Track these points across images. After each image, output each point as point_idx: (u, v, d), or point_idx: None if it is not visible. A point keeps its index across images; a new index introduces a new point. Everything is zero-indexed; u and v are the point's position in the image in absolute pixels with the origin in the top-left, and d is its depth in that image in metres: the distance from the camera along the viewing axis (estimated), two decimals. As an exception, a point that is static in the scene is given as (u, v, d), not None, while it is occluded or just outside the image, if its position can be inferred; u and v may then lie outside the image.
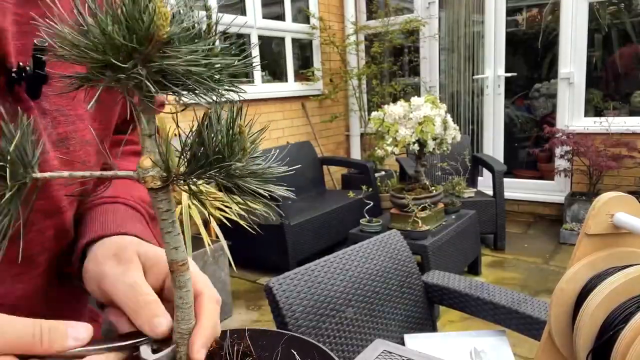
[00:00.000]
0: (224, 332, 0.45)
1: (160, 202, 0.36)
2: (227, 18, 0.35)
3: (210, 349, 0.41)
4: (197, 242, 2.40)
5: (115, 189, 0.56)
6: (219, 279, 2.66)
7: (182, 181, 0.35)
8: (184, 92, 0.31)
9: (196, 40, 0.29)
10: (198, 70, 0.29)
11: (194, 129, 0.34)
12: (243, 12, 3.97)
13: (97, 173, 0.36)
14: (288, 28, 4.46)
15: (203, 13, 0.31)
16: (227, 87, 0.32)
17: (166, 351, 0.39)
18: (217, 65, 0.30)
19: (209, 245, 2.35)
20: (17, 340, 0.33)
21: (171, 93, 0.30)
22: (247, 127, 0.35)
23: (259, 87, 4.14)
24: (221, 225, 2.42)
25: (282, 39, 4.46)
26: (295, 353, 0.44)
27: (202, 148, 0.33)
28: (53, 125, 0.47)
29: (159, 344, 0.40)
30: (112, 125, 0.58)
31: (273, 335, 0.47)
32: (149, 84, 0.29)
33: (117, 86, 0.29)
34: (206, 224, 2.47)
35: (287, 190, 0.37)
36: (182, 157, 0.34)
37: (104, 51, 0.28)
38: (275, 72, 4.59)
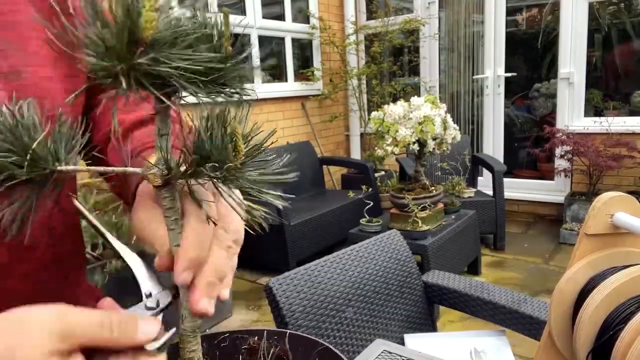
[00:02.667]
0: (261, 332, 0.46)
1: (164, 199, 0.36)
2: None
3: (247, 346, 0.42)
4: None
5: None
6: (219, 279, 2.65)
7: (184, 180, 0.35)
8: (185, 92, 0.31)
9: (183, 41, 0.30)
10: (184, 68, 0.29)
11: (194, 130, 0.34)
12: (243, 12, 3.97)
13: (110, 169, 0.37)
14: (288, 28, 4.46)
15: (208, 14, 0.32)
16: (217, 89, 0.33)
17: (161, 305, 0.39)
18: (203, 65, 0.30)
19: (209, 245, 2.35)
20: (86, 327, 0.31)
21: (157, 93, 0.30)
22: (248, 128, 0.35)
23: (259, 87, 4.14)
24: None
25: (282, 39, 4.46)
26: None
27: (198, 148, 0.34)
28: (3, 57, 0.48)
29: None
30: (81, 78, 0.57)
31: (308, 342, 0.47)
32: (144, 84, 0.29)
33: (113, 84, 0.29)
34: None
35: (284, 196, 0.37)
36: (184, 156, 0.34)
37: (101, 55, 0.28)
38: (275, 72, 4.59)
